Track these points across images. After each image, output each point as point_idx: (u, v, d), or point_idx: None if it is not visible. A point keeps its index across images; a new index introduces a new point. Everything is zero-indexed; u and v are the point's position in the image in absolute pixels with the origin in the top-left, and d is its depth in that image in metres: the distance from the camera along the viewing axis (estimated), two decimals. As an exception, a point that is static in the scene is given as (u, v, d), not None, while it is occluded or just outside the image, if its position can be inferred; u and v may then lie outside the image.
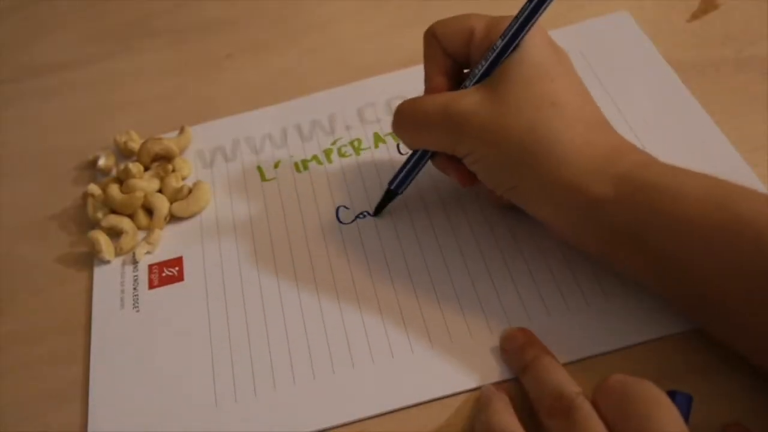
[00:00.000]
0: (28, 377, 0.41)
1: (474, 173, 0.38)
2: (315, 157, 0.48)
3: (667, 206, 0.32)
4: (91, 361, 0.40)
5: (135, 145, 0.50)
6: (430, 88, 0.39)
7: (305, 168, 0.47)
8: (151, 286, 0.43)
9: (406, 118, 0.39)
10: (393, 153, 0.47)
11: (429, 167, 0.41)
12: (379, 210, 0.44)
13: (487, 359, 0.37)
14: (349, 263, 0.42)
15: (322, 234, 0.44)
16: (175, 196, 0.47)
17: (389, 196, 0.43)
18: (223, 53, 0.57)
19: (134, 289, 0.43)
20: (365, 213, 0.44)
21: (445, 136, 0.37)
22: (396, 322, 0.39)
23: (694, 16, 0.51)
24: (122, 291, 0.43)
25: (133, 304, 0.42)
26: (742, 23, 0.49)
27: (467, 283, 0.40)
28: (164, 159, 0.48)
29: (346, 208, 0.45)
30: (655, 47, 0.49)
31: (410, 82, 0.51)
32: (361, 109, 0.50)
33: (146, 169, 0.48)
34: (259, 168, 0.48)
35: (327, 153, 0.48)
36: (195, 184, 0.47)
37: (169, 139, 0.49)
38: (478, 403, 0.35)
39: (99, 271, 0.44)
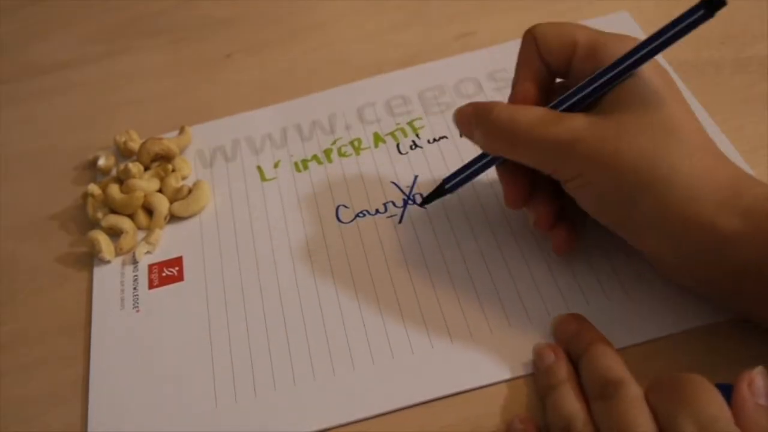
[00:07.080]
0: (28, 377, 0.41)
1: (573, 197, 0.36)
2: (315, 157, 0.48)
3: None
4: (90, 361, 0.40)
5: (135, 145, 0.50)
6: (517, 93, 0.38)
7: (305, 168, 0.48)
8: (151, 286, 0.43)
9: (503, 128, 0.36)
10: (393, 152, 0.47)
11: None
12: (426, 202, 0.43)
13: (487, 359, 0.37)
14: (348, 262, 0.42)
15: (322, 233, 0.44)
16: (175, 196, 0.47)
17: (441, 193, 0.42)
18: (223, 53, 0.57)
19: (134, 289, 0.43)
20: (365, 212, 0.44)
21: (548, 155, 0.35)
22: (396, 322, 0.39)
23: (694, 16, 0.51)
24: (122, 291, 0.43)
25: (133, 304, 0.42)
26: (742, 23, 0.49)
27: (466, 278, 0.40)
28: (164, 159, 0.48)
29: (346, 207, 0.45)
30: (655, 47, 0.49)
31: (410, 82, 0.51)
32: (360, 108, 0.50)
33: (146, 169, 0.48)
34: (259, 168, 0.48)
35: (327, 153, 0.48)
36: (195, 184, 0.47)
37: (169, 139, 0.49)
38: (540, 375, 0.35)
39: (99, 271, 0.44)
